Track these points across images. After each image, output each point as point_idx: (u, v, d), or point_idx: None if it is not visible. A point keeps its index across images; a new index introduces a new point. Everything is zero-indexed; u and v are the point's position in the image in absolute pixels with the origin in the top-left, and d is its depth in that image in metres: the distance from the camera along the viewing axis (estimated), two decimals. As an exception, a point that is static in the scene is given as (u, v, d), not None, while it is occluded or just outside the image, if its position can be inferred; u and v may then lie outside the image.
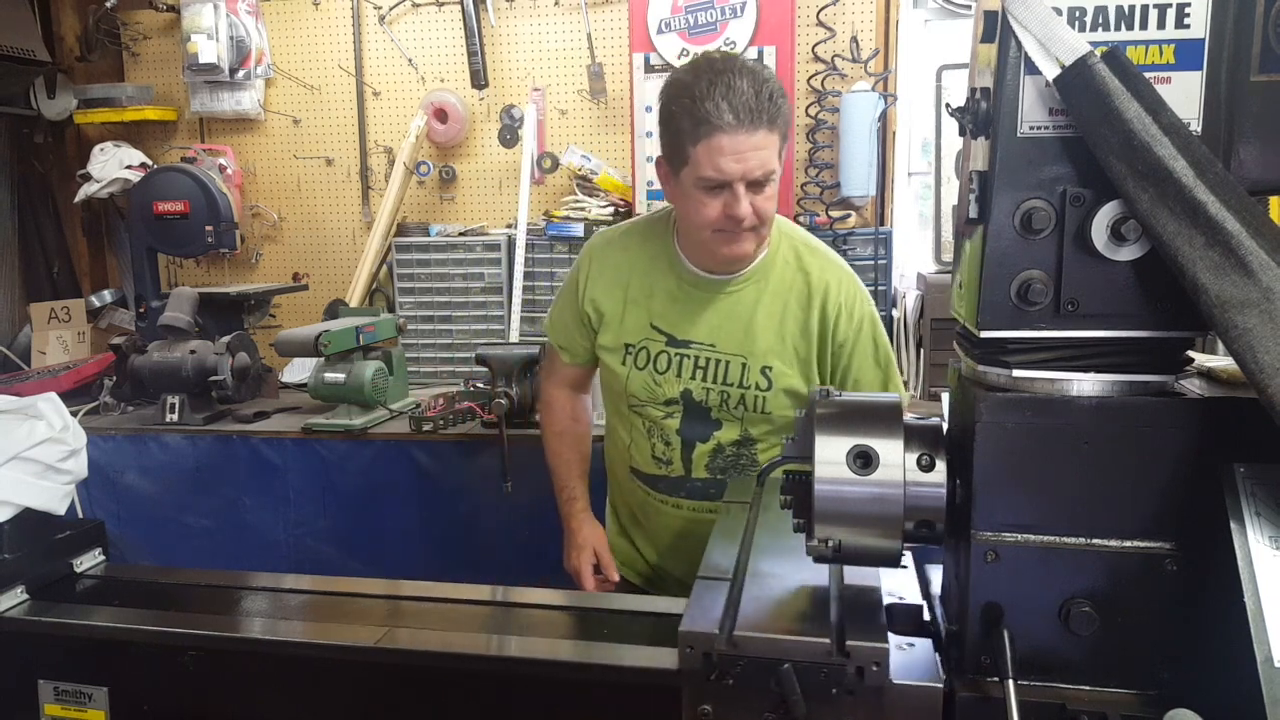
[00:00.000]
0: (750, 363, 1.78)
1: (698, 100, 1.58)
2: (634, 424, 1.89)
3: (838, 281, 1.80)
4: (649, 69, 3.32)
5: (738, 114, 1.56)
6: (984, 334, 0.98)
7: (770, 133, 1.59)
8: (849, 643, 0.95)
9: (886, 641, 0.96)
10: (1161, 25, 0.90)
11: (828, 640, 0.96)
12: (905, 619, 1.16)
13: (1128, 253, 0.93)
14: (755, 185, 1.62)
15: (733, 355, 1.79)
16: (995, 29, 0.94)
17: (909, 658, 1.03)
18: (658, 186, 3.34)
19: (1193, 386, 0.99)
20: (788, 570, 1.14)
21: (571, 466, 2.03)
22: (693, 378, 1.81)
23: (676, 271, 1.82)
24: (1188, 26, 0.90)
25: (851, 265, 3.41)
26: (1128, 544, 0.96)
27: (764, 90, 1.58)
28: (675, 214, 1.81)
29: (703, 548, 1.88)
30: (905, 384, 3.23)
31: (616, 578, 1.91)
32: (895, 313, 3.40)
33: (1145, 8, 0.90)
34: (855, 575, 1.10)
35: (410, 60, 3.84)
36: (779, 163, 1.64)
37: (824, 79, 3.41)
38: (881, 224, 3.46)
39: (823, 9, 3.38)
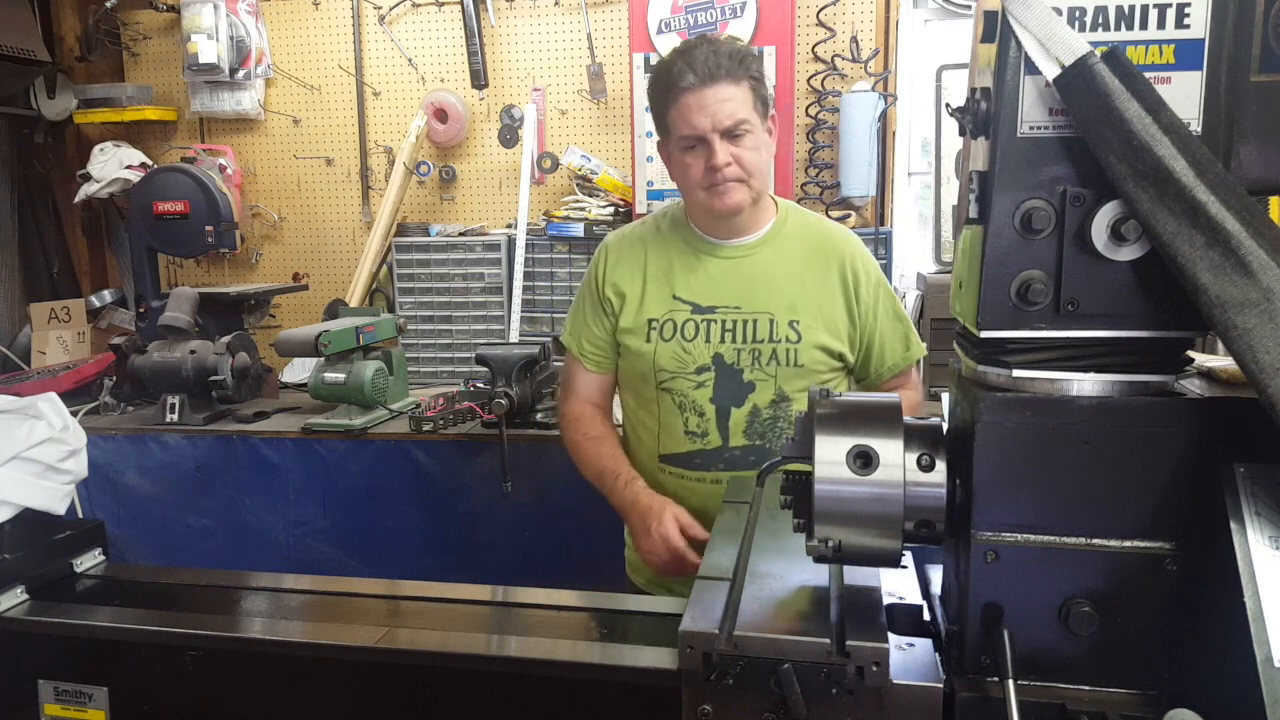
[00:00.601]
0: (777, 317, 1.83)
1: (667, 72, 1.75)
2: (663, 404, 1.88)
3: (848, 244, 1.92)
4: (649, 69, 3.32)
5: (697, 72, 1.71)
6: (984, 334, 0.98)
7: (734, 85, 1.71)
8: (849, 643, 0.95)
9: (886, 641, 0.96)
10: (1161, 25, 0.90)
11: (828, 640, 0.96)
12: (905, 619, 1.16)
13: (1128, 253, 0.93)
14: (731, 136, 1.73)
15: (759, 313, 1.83)
16: (995, 29, 0.94)
17: (909, 658, 1.03)
18: (658, 186, 3.35)
19: (1193, 386, 0.99)
20: (788, 570, 1.14)
21: (618, 458, 1.94)
22: (722, 341, 1.83)
23: (693, 244, 1.89)
24: (1188, 26, 0.90)
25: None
26: (1128, 544, 0.96)
27: (723, 49, 1.73)
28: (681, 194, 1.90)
29: None
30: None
31: (706, 534, 1.70)
32: (895, 313, 3.40)
33: (1145, 8, 0.90)
34: (855, 575, 1.10)
35: (410, 60, 3.85)
36: (755, 114, 1.75)
37: (824, 79, 3.42)
38: (881, 224, 3.46)
39: (823, 9, 3.38)
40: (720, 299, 1.85)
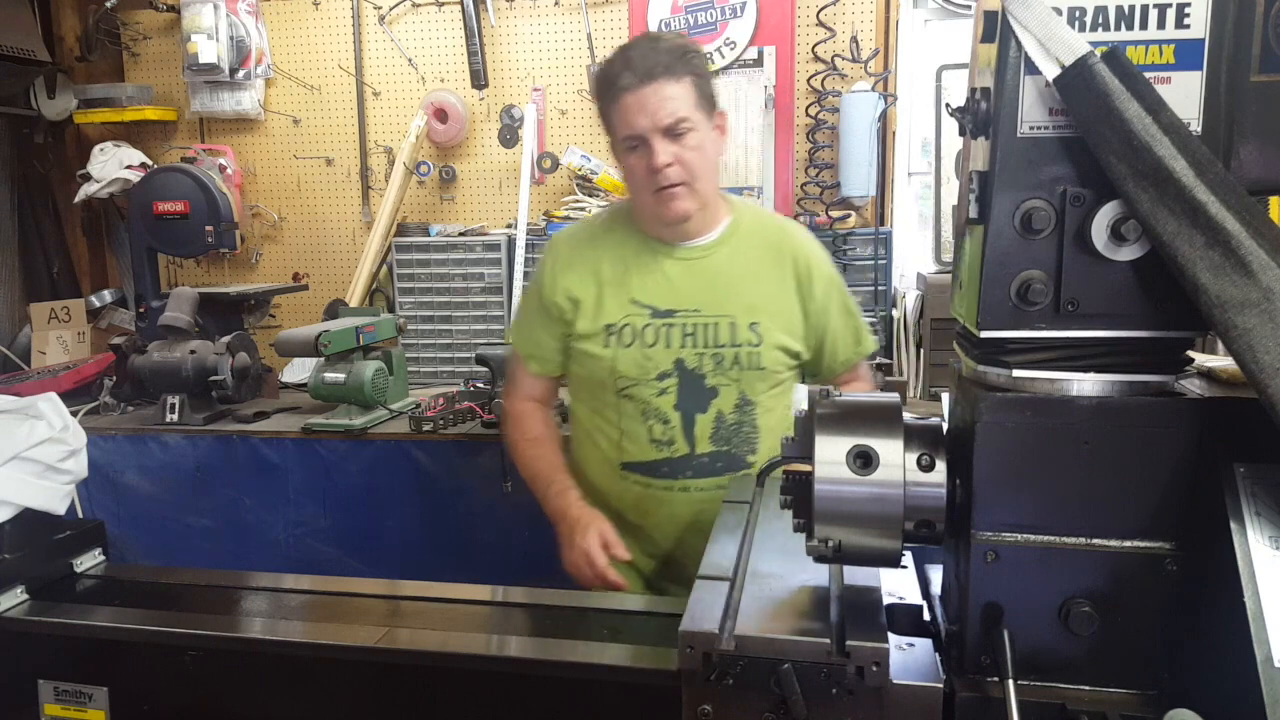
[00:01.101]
0: (738, 320, 1.81)
1: (606, 73, 1.74)
2: (624, 411, 1.84)
3: (801, 241, 1.90)
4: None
5: (635, 72, 1.69)
6: (984, 334, 0.98)
7: (673, 82, 1.69)
8: (849, 643, 0.95)
9: (886, 641, 0.96)
10: (1161, 25, 0.90)
11: (828, 640, 0.96)
12: (905, 619, 1.16)
13: (1128, 253, 0.93)
14: (672, 135, 1.70)
15: (720, 316, 1.81)
16: (995, 29, 0.94)
17: (909, 658, 1.03)
18: (658, 186, 3.35)
19: (1193, 386, 0.99)
20: (788, 570, 1.14)
21: (555, 464, 1.93)
22: (683, 346, 1.80)
23: (649, 247, 1.85)
24: (1188, 26, 0.90)
25: (851, 265, 3.43)
26: (1128, 544, 0.96)
27: (662, 46, 1.71)
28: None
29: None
30: (905, 384, 3.26)
31: (627, 555, 1.75)
32: (895, 313, 3.40)
33: (1145, 8, 0.90)
34: (855, 575, 1.10)
35: (410, 60, 3.84)
36: (698, 112, 1.72)
37: (824, 79, 3.41)
38: (881, 224, 3.46)
39: (823, 9, 3.38)
40: (680, 302, 1.81)
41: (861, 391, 1.96)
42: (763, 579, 1.12)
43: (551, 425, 2.01)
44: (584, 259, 1.88)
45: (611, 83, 1.72)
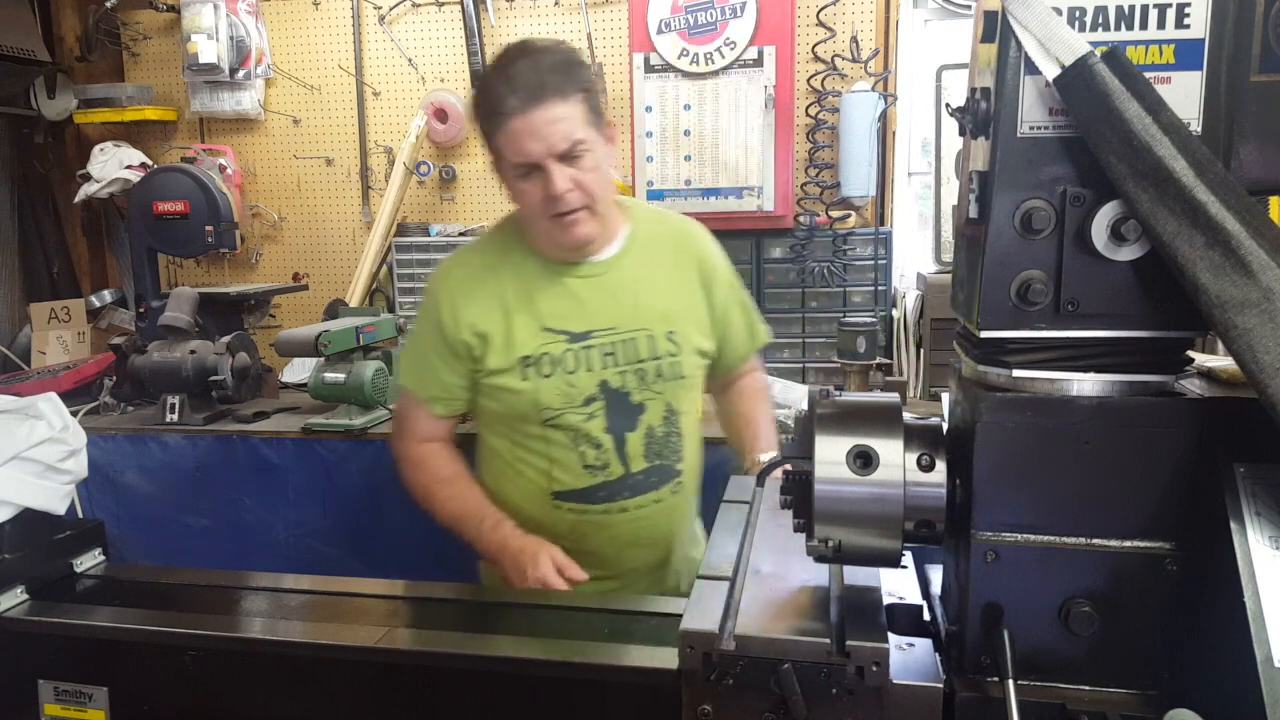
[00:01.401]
0: (655, 332, 1.77)
1: (487, 94, 1.62)
2: (552, 441, 1.76)
3: (700, 240, 1.90)
4: (649, 69, 3.32)
5: (519, 95, 1.58)
6: (984, 334, 0.98)
7: (563, 102, 1.59)
8: (849, 643, 0.95)
9: (886, 641, 0.96)
10: (1161, 25, 0.90)
11: (828, 640, 0.96)
12: (905, 619, 1.16)
13: (1128, 253, 0.93)
14: (568, 159, 1.62)
15: (637, 331, 1.77)
16: (995, 29, 0.94)
17: (909, 658, 1.03)
18: (658, 186, 3.35)
19: (1193, 386, 0.99)
20: (788, 570, 1.14)
21: (478, 499, 1.83)
22: (605, 367, 1.74)
23: (549, 269, 1.77)
24: (1188, 26, 0.90)
25: (851, 265, 3.42)
26: (1128, 544, 0.96)
27: (545, 62, 1.60)
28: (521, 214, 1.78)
29: (656, 541, 1.73)
30: (905, 384, 3.26)
31: (584, 575, 1.67)
32: (895, 313, 3.40)
33: (1145, 8, 0.90)
34: (855, 575, 1.10)
35: (410, 60, 3.85)
36: (591, 129, 1.64)
37: (824, 79, 3.41)
38: (881, 224, 3.46)
39: (823, 9, 3.38)
40: (594, 322, 1.75)
41: (757, 380, 2.00)
42: (763, 579, 1.12)
43: (459, 462, 1.90)
44: (484, 289, 1.76)
45: (495, 107, 1.60)
